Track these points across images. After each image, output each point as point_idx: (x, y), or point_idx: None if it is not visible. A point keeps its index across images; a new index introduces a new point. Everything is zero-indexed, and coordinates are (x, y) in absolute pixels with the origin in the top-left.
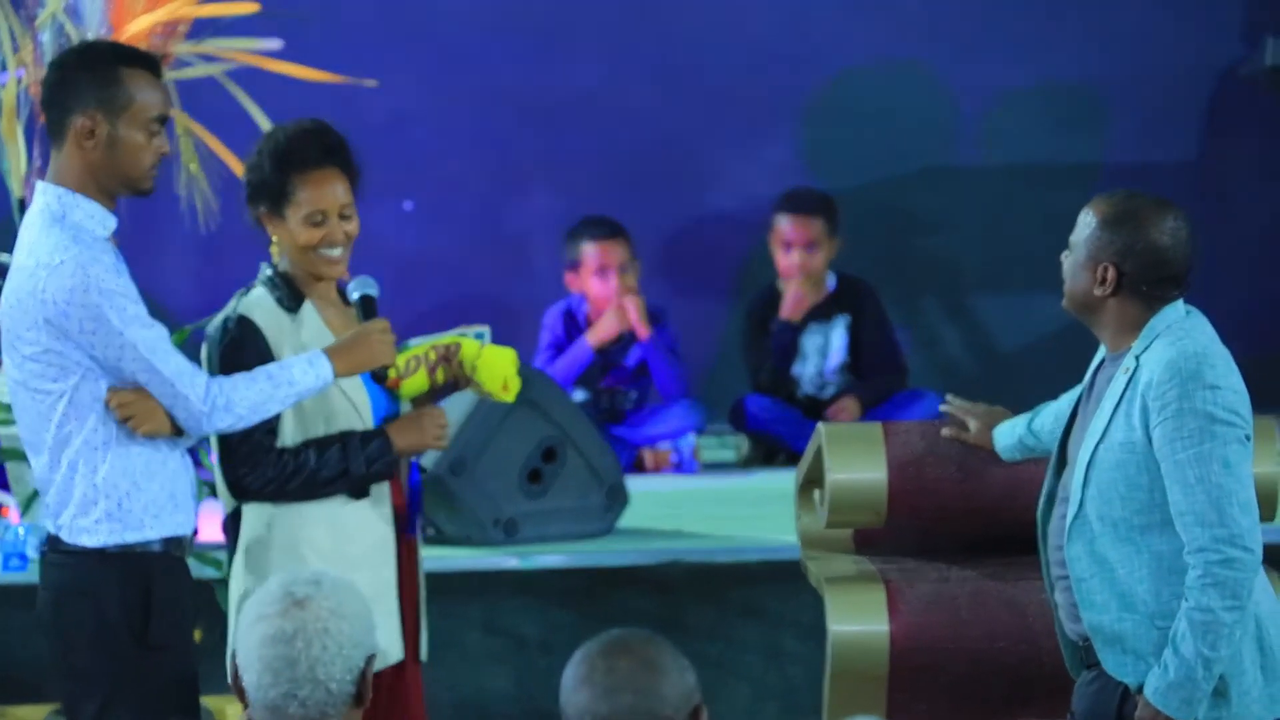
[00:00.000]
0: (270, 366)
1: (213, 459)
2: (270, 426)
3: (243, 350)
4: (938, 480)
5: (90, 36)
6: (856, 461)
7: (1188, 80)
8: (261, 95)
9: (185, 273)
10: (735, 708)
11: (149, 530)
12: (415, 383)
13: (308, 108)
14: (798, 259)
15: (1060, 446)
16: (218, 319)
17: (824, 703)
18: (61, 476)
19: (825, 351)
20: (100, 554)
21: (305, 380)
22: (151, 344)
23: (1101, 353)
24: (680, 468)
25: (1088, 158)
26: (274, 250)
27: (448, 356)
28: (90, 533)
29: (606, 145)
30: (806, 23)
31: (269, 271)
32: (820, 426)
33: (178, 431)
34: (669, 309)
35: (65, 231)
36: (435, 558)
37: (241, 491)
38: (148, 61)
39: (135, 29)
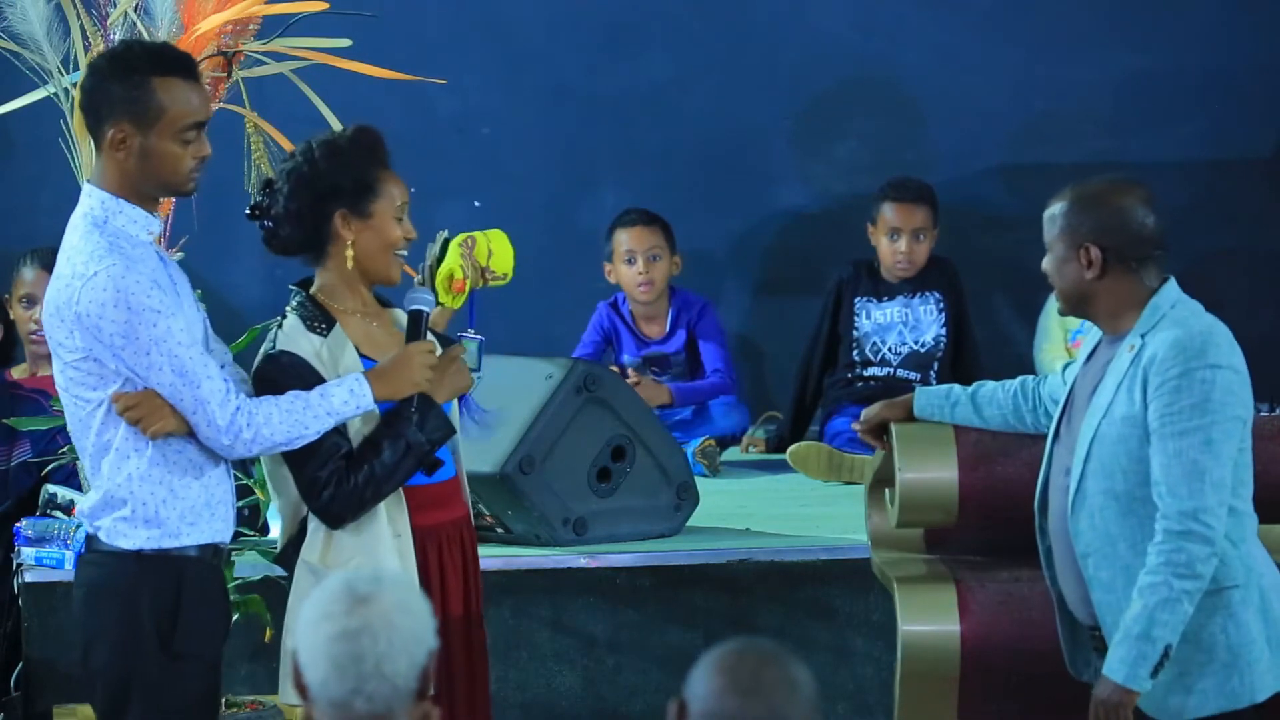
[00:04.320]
0: (311, 393)
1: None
2: (343, 451)
3: (279, 387)
4: (1008, 479)
5: (161, 35)
6: (927, 460)
7: (1264, 76)
8: (330, 94)
9: (254, 271)
10: None
11: (185, 537)
12: (469, 285)
13: (377, 106)
14: (905, 246)
15: (1054, 434)
16: (262, 349)
17: (895, 703)
18: (101, 481)
19: (910, 323)
20: (136, 556)
21: (345, 409)
22: (181, 363)
23: (1091, 342)
24: None
25: (1163, 155)
26: (349, 255)
27: (468, 254)
28: (127, 536)
29: (675, 142)
30: (876, 17)
31: (299, 296)
32: (892, 426)
33: (191, 431)
34: (729, 302)
35: (104, 238)
36: (503, 556)
37: (330, 519)
38: (182, 66)
39: (206, 27)
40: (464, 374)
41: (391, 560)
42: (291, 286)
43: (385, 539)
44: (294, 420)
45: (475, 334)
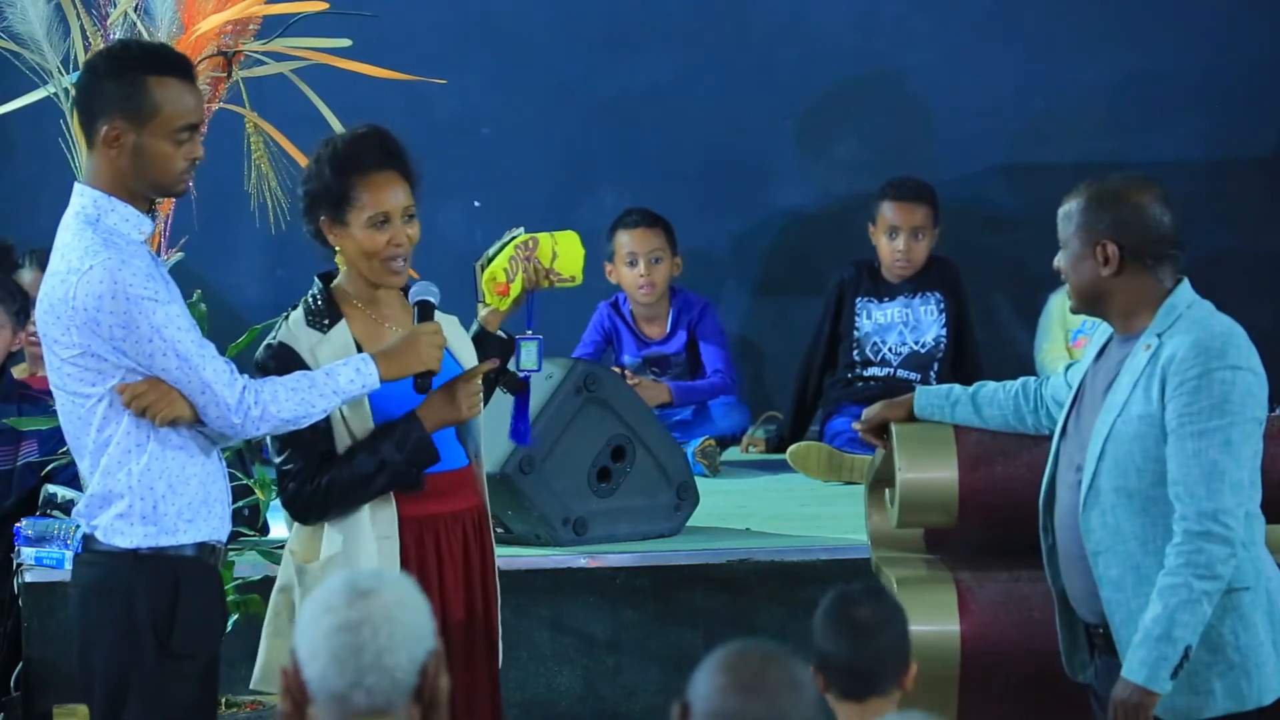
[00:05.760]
0: (316, 372)
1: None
2: (317, 448)
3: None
4: (1008, 480)
5: (161, 36)
6: (927, 460)
7: (1264, 75)
8: (330, 94)
9: (255, 272)
10: None
11: (182, 534)
12: (516, 287)
13: (377, 106)
14: (903, 245)
15: (1061, 431)
16: (265, 344)
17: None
18: (99, 478)
19: (910, 324)
20: (133, 555)
21: (351, 387)
22: (184, 348)
23: (1100, 340)
24: None
25: (1163, 155)
26: (339, 260)
27: (528, 255)
28: (124, 534)
29: (675, 143)
30: (876, 19)
31: (314, 288)
32: (892, 426)
33: (199, 419)
34: (729, 302)
35: (98, 235)
36: (503, 556)
37: (295, 513)
38: (178, 67)
39: (206, 27)
40: (455, 408)
41: (369, 561)
42: (315, 277)
43: (365, 539)
44: (300, 398)
45: (533, 334)
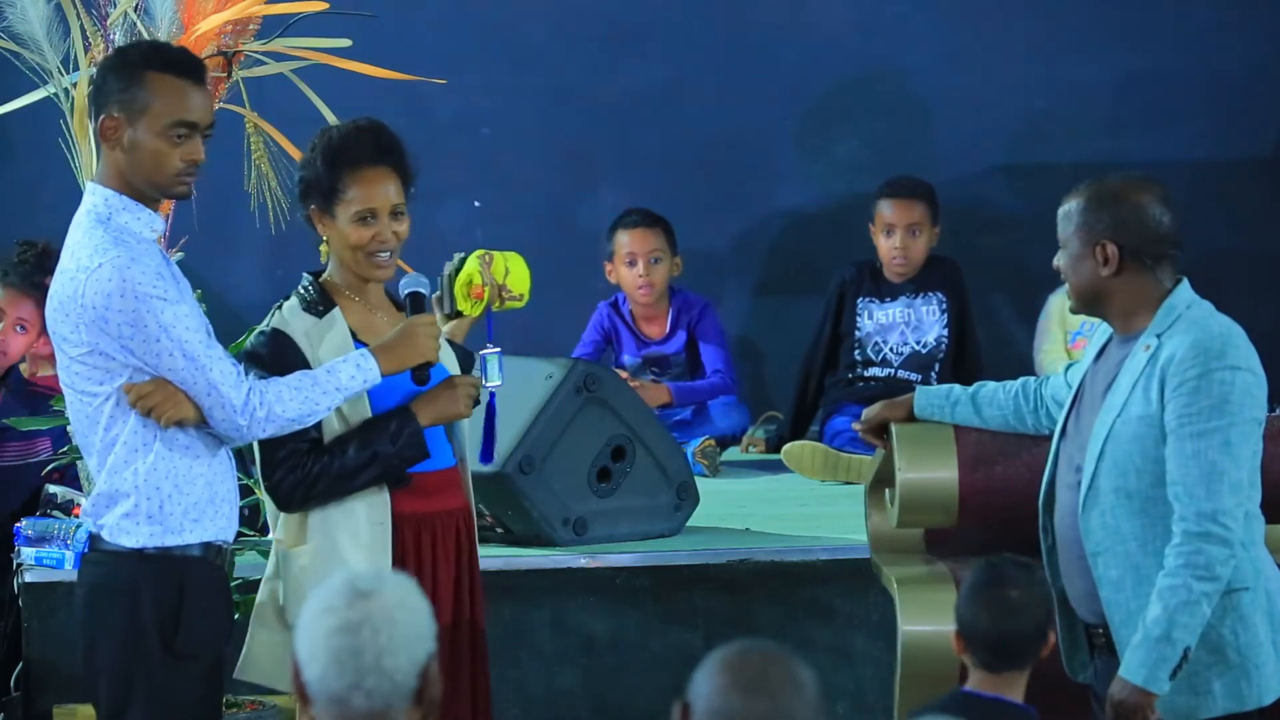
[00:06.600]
0: (317, 371)
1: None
2: (305, 434)
3: (277, 366)
4: (1008, 480)
5: (161, 35)
6: (927, 461)
7: (1264, 75)
8: (331, 93)
9: (255, 271)
10: None
11: (188, 534)
12: (487, 294)
13: (377, 106)
14: (899, 242)
15: (1061, 432)
16: (257, 330)
17: (895, 703)
18: (105, 477)
19: (912, 324)
20: (139, 555)
21: (352, 383)
22: (191, 348)
23: (1099, 341)
24: None
25: (1163, 155)
26: (323, 250)
27: (487, 267)
28: (130, 534)
29: (675, 143)
30: (876, 19)
31: (306, 280)
32: (892, 426)
33: (204, 420)
34: (730, 302)
35: (108, 233)
36: (504, 556)
37: (279, 500)
38: (181, 66)
39: (206, 27)
40: (454, 402)
41: (355, 549)
42: (305, 274)
43: (351, 528)
44: (304, 397)
45: (494, 347)
